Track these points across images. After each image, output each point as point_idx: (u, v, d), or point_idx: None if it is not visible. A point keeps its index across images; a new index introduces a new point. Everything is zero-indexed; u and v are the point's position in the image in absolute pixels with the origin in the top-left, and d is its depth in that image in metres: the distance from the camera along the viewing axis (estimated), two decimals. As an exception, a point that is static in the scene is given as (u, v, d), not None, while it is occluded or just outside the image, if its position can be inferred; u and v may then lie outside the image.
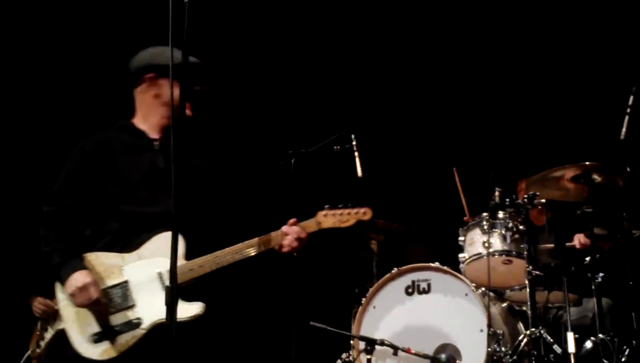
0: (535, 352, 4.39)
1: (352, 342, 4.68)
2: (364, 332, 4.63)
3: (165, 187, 3.16)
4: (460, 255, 4.95)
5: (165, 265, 3.01)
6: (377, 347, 4.42)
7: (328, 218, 3.31)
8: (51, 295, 5.26)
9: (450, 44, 6.59)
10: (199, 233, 3.38)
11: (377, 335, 4.53)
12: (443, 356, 4.37)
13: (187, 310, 3.16)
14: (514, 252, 4.76)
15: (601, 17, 6.19)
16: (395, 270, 4.73)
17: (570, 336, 4.24)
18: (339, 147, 4.98)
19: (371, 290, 4.74)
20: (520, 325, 4.75)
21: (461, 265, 4.91)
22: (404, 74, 6.67)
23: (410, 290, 4.67)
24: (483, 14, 6.47)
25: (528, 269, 4.56)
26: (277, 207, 4.15)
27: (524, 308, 4.75)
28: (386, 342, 4.39)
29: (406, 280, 4.70)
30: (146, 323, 3.17)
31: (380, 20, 6.63)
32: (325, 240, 3.75)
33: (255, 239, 3.29)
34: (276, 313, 5.07)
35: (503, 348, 4.40)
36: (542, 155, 5.59)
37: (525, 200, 4.67)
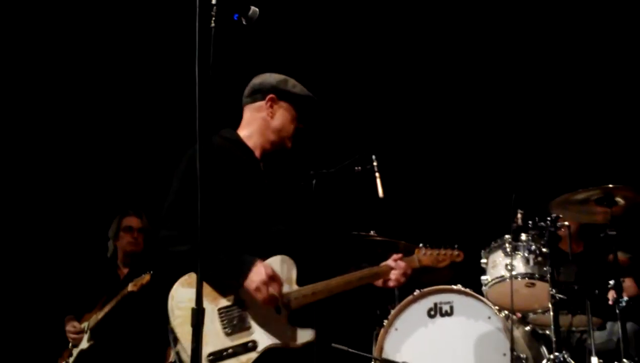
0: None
1: (373, 364, 4.66)
2: (386, 354, 4.61)
3: (272, 210, 3.35)
4: (483, 278, 4.89)
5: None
6: (399, 369, 4.41)
7: (427, 257, 3.63)
8: (81, 314, 5.42)
9: (473, 65, 6.59)
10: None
11: (399, 358, 4.51)
12: (466, 380, 4.35)
13: (302, 335, 3.23)
14: (537, 275, 4.71)
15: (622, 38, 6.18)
16: (417, 292, 4.72)
17: (595, 361, 4.21)
18: (360, 167, 4.97)
19: (393, 312, 4.72)
20: (544, 349, 4.69)
21: (484, 288, 4.86)
22: (425, 93, 6.67)
23: (432, 313, 4.65)
24: (511, 40, 6.47)
25: (551, 292, 4.52)
26: (299, 229, 4.15)
27: (547, 332, 4.71)
28: (409, 365, 4.38)
29: (428, 302, 4.68)
30: (261, 346, 3.11)
31: (400, 41, 6.65)
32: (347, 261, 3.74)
33: (365, 271, 3.41)
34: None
35: (526, 373, 4.37)
36: (565, 178, 5.55)
37: (548, 222, 4.63)
